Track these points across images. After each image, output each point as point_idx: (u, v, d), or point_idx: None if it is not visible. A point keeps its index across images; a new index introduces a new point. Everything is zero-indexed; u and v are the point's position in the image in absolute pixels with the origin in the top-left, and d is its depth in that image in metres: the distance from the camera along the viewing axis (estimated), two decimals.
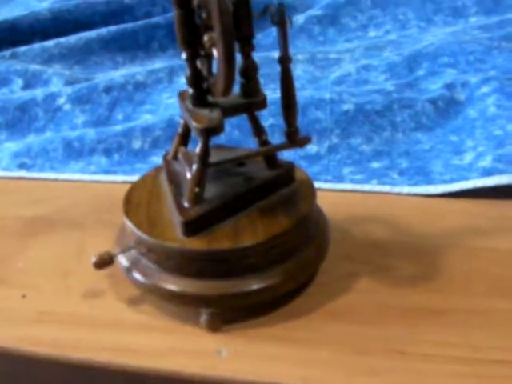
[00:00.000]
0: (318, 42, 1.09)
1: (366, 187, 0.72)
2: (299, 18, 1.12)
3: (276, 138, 0.65)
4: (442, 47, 0.95)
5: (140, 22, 1.14)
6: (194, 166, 0.55)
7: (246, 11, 0.51)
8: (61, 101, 0.93)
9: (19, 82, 1.01)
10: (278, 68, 0.55)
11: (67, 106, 0.92)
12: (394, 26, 1.11)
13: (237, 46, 0.51)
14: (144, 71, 0.97)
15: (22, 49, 1.10)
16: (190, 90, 0.56)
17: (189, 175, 0.56)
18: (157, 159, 0.81)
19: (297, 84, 0.56)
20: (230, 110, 0.55)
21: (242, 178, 0.58)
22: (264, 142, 0.58)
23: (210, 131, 0.53)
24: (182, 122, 0.61)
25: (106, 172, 0.80)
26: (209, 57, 0.55)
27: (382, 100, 0.84)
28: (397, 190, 0.71)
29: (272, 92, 0.63)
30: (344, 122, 0.81)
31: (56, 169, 0.82)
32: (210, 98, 0.56)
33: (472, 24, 1.07)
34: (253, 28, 0.52)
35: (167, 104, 0.90)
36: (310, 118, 0.81)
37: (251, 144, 0.65)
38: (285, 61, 0.53)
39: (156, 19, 1.13)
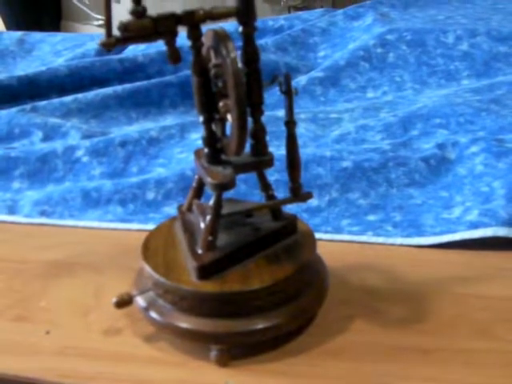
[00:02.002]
0: (320, 102, 1.11)
1: (363, 238, 0.76)
2: (302, 79, 1.15)
3: (280, 191, 0.70)
4: (434, 109, 0.98)
5: (153, 80, 1.16)
6: (208, 217, 0.59)
7: (256, 81, 0.57)
8: (79, 153, 0.96)
9: (39, 134, 1.04)
10: (282, 126, 0.59)
11: (85, 159, 0.95)
12: (390, 87, 1.13)
13: (248, 111, 0.55)
14: (157, 127, 1.00)
15: (42, 103, 1.12)
16: (206, 150, 0.60)
17: (202, 225, 0.60)
18: (169, 209, 0.84)
19: (299, 142, 0.60)
20: (241, 168, 0.59)
21: (250, 228, 0.62)
22: (270, 197, 0.63)
23: (223, 186, 0.58)
24: (196, 177, 0.65)
25: (122, 220, 0.83)
26: (223, 120, 0.59)
27: (379, 158, 0.87)
28: (390, 241, 0.75)
29: (276, 149, 0.66)
30: (343, 178, 0.84)
31: (75, 216, 0.85)
32: (223, 157, 0.60)
33: (463, 87, 1.10)
34: (263, 96, 0.57)
35: (179, 158, 0.93)
36: (311, 174, 0.84)
37: (256, 196, 0.69)
38: (290, 125, 0.58)
39: (168, 78, 1.16)
